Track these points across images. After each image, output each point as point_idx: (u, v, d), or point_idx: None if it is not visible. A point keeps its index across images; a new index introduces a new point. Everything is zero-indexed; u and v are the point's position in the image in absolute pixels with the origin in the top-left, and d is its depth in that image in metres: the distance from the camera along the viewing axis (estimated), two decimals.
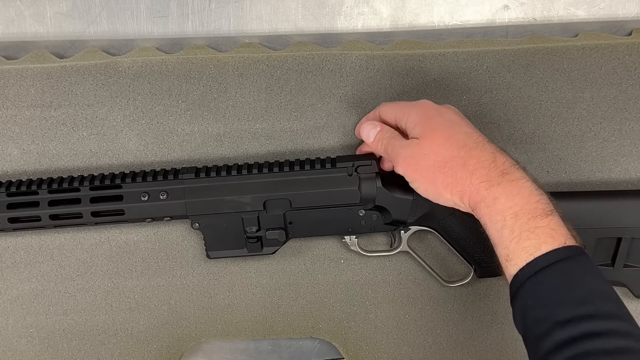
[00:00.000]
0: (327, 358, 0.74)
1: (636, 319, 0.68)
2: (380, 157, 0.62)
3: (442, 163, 0.53)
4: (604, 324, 0.45)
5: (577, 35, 0.67)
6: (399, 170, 0.56)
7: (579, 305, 0.46)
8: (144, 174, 0.63)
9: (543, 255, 0.48)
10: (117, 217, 0.63)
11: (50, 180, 0.63)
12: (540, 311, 0.47)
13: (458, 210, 0.55)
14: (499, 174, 0.51)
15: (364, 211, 0.63)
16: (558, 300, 0.46)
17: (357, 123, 0.65)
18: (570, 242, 0.48)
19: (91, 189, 0.62)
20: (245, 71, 0.66)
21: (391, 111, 0.59)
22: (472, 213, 0.53)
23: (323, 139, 0.67)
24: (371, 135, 0.59)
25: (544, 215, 0.49)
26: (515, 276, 0.49)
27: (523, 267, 0.48)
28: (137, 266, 0.69)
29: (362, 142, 0.65)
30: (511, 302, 0.50)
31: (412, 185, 0.56)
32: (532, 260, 0.48)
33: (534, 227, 0.48)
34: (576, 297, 0.46)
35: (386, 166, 0.62)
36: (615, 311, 0.46)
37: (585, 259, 0.48)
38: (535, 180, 0.52)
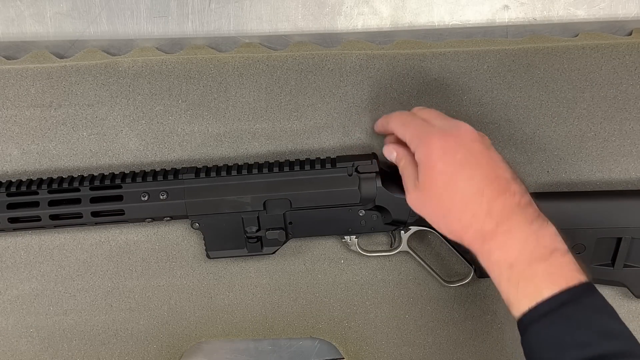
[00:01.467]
0: (327, 358, 0.74)
1: (636, 319, 0.69)
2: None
3: (441, 214, 0.54)
4: None
5: (577, 35, 0.67)
6: (410, 206, 0.57)
7: (584, 348, 0.45)
8: (144, 174, 0.63)
9: (545, 301, 0.47)
10: (117, 217, 0.63)
11: (50, 180, 0.63)
12: (546, 355, 0.47)
13: None
14: (492, 227, 0.50)
15: (364, 211, 0.63)
16: (563, 344, 0.46)
17: (357, 121, 0.66)
18: (573, 281, 0.47)
19: (91, 189, 0.62)
20: (245, 71, 0.66)
21: (400, 134, 0.57)
22: None
23: (323, 139, 0.67)
24: (391, 158, 0.60)
25: (541, 260, 0.48)
26: (520, 321, 0.49)
27: (526, 312, 0.48)
28: (137, 266, 0.69)
29: (362, 140, 0.65)
30: (521, 341, 0.50)
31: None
32: (534, 307, 0.47)
33: (532, 274, 0.48)
34: (582, 340, 0.46)
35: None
36: (623, 349, 0.46)
37: (590, 298, 0.48)
38: (535, 218, 0.50)
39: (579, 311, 0.47)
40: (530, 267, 0.48)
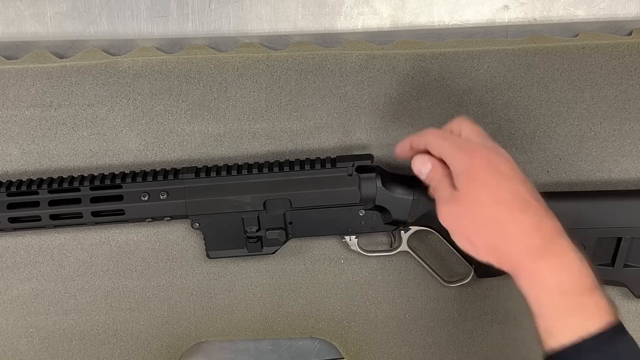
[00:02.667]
0: (327, 358, 0.74)
1: (636, 319, 0.69)
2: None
3: (482, 225, 0.50)
4: None
5: (577, 35, 0.67)
6: (441, 221, 0.53)
7: None
8: (144, 174, 0.63)
9: (591, 337, 0.44)
10: (117, 217, 0.63)
11: (51, 180, 0.63)
12: None
13: None
14: (543, 244, 0.47)
15: (364, 211, 0.63)
16: None
17: (357, 121, 0.65)
18: (612, 317, 0.45)
19: (91, 188, 0.62)
20: (245, 71, 0.66)
21: (437, 147, 0.54)
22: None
23: (323, 139, 0.67)
24: (423, 172, 0.56)
25: (590, 291, 0.46)
26: (556, 355, 0.46)
27: (567, 346, 0.45)
28: (137, 266, 0.69)
29: (361, 140, 0.65)
30: None
31: (452, 237, 0.53)
32: (580, 342, 0.45)
33: (582, 305, 0.46)
34: None
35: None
36: None
37: (628, 338, 0.46)
38: (575, 247, 0.48)
39: (623, 354, 0.45)
40: (582, 298, 0.46)
